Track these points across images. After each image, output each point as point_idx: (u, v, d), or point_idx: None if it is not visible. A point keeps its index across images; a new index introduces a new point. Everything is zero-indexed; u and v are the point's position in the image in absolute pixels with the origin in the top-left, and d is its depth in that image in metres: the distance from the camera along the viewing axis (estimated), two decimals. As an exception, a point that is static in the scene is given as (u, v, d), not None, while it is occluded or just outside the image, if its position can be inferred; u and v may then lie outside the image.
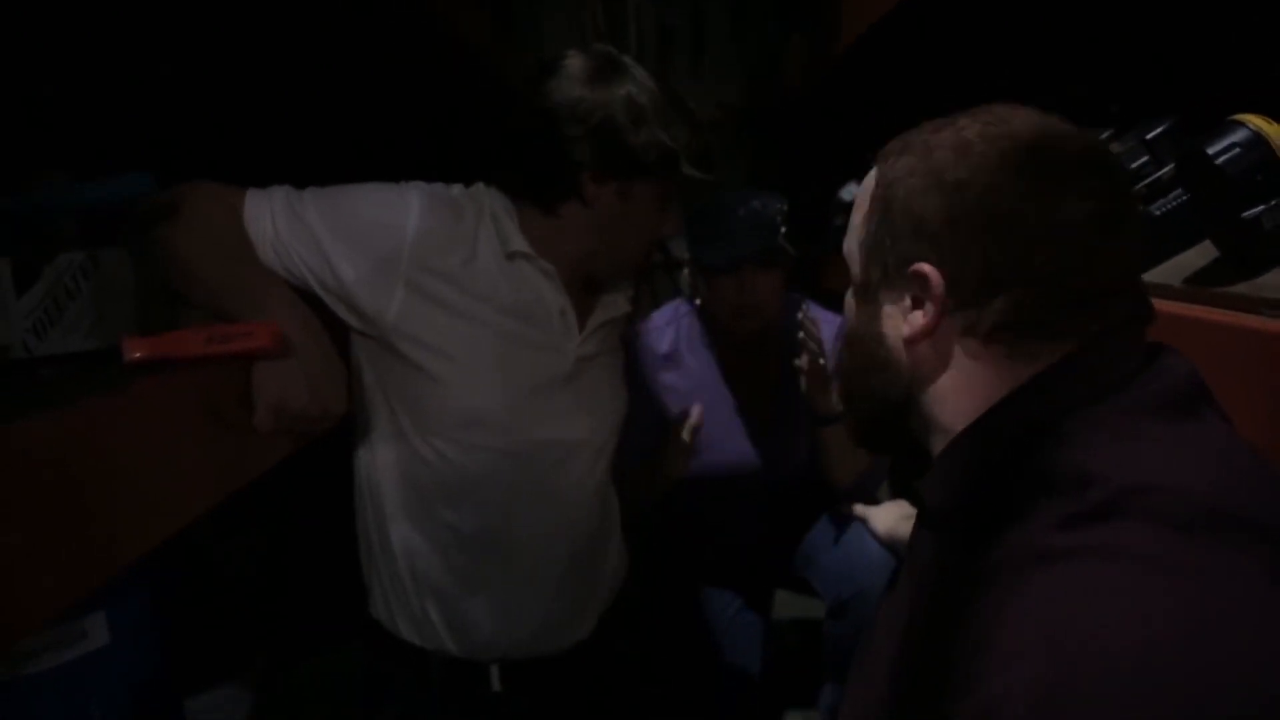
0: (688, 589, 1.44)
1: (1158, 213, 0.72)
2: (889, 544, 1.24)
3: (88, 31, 0.86)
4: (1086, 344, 0.50)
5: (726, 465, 1.42)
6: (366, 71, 1.26)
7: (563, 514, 0.97)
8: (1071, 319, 0.51)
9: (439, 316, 0.88)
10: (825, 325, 1.46)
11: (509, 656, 0.98)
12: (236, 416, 0.72)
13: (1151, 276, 0.71)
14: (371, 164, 0.96)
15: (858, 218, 0.60)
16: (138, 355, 0.63)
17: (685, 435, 1.22)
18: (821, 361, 1.25)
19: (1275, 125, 0.61)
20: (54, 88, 0.86)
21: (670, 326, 1.45)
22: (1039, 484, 0.46)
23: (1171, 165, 0.71)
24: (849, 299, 0.62)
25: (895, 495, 1.32)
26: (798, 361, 1.24)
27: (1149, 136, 0.77)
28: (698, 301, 1.43)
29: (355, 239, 0.84)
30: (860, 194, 0.61)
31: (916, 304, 0.55)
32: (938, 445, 0.56)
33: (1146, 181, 0.75)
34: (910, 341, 0.55)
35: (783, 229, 1.32)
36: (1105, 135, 0.80)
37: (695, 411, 1.23)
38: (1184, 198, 0.70)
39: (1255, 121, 0.61)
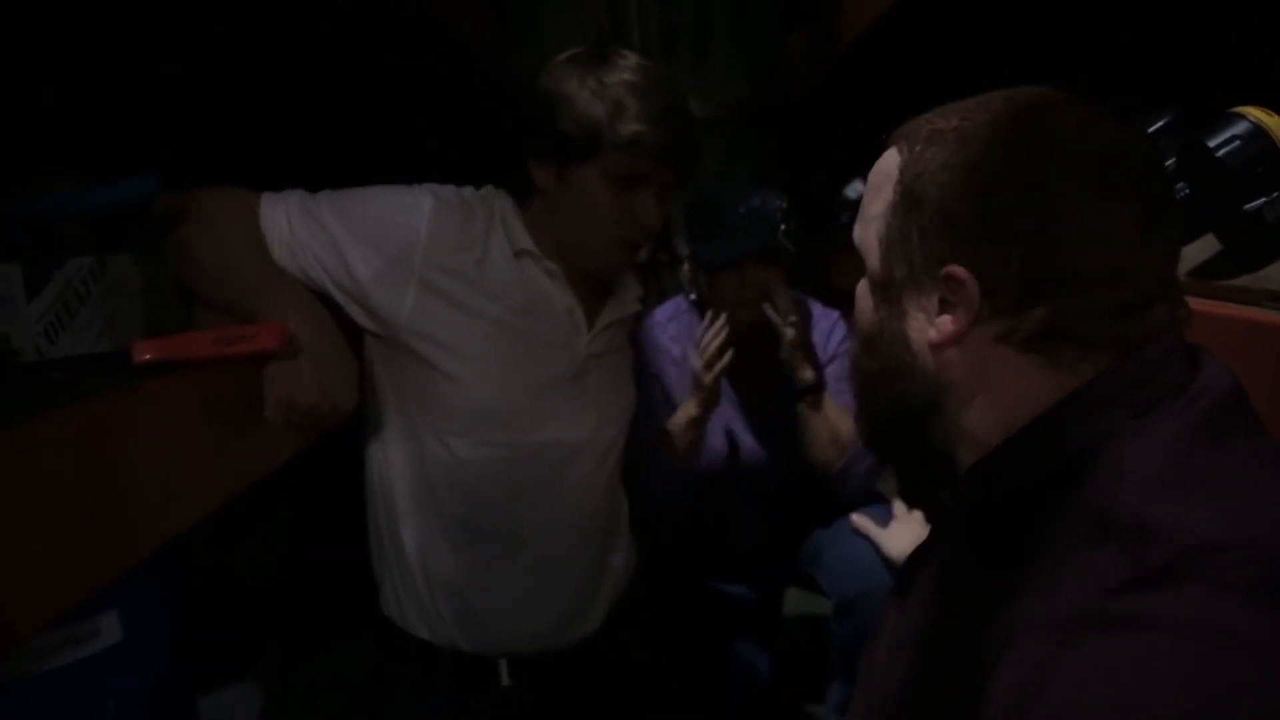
0: (696, 585, 1.44)
1: (1160, 206, 0.72)
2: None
3: (94, 35, 0.86)
4: (1129, 352, 0.47)
5: (731, 461, 1.43)
6: (368, 73, 1.27)
7: (570, 511, 0.98)
8: (1114, 326, 0.48)
9: (451, 315, 0.89)
10: (821, 319, 1.47)
11: (518, 651, 0.99)
12: (246, 415, 0.73)
13: (1154, 270, 0.71)
14: (374, 165, 0.97)
15: (876, 207, 0.55)
16: (147, 357, 0.64)
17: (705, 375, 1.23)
18: (791, 332, 1.28)
19: (1276, 117, 0.61)
20: (60, 92, 0.87)
21: (671, 322, 1.46)
22: (1091, 524, 0.42)
23: (1173, 159, 0.71)
24: (863, 292, 0.58)
25: (902, 494, 1.30)
26: (786, 330, 1.27)
27: (1151, 129, 0.77)
28: (696, 298, 1.43)
29: (370, 239, 0.85)
30: (876, 179, 0.56)
31: (945, 307, 0.51)
32: (966, 456, 0.53)
33: (1148, 175, 0.76)
34: (937, 347, 0.51)
35: (783, 226, 1.32)
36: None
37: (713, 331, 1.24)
38: (1186, 191, 0.70)
39: (1256, 114, 0.61)
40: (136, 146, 0.88)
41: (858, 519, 1.29)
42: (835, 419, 1.33)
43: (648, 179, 0.89)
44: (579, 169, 0.89)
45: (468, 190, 0.95)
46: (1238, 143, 0.61)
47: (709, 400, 1.26)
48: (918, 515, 1.27)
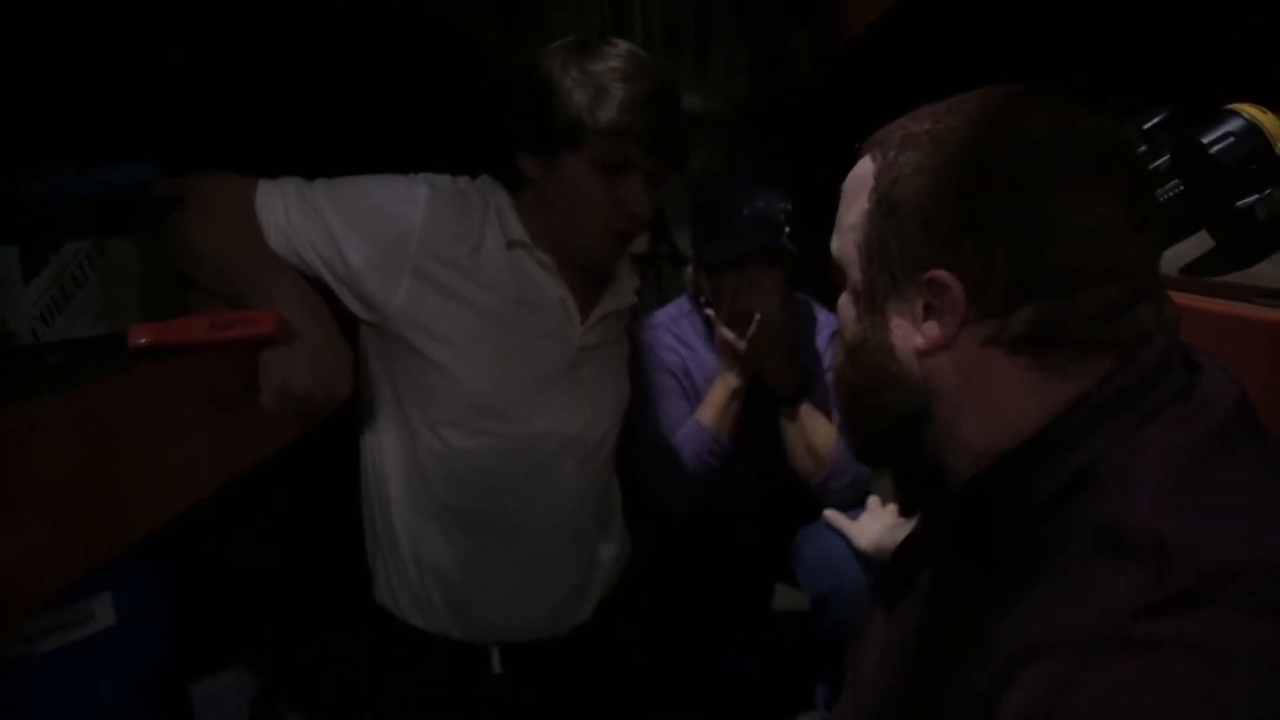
0: (689, 579, 1.45)
1: (1155, 203, 0.72)
2: (876, 560, 1.22)
3: (94, 21, 0.87)
4: (1125, 358, 0.47)
5: (731, 462, 1.43)
6: (369, 64, 1.27)
7: (562, 502, 0.98)
8: (1102, 327, 0.47)
9: (445, 305, 0.89)
10: (825, 326, 1.46)
11: (510, 639, 0.99)
12: (241, 400, 0.74)
13: (1147, 267, 0.71)
14: (374, 156, 0.97)
15: (852, 216, 0.55)
16: (143, 341, 0.64)
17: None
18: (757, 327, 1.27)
19: (1270, 115, 0.61)
20: (60, 77, 0.87)
21: (674, 323, 1.46)
22: (1104, 541, 0.41)
23: (1167, 155, 0.71)
24: (845, 304, 0.57)
25: (901, 502, 1.30)
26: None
27: (1146, 126, 0.78)
28: (702, 299, 1.43)
29: (365, 227, 0.86)
30: (851, 188, 0.56)
31: (930, 313, 0.50)
32: (961, 465, 0.52)
33: (1144, 172, 0.76)
34: (924, 353, 0.51)
35: (788, 228, 1.32)
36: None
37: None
38: (1180, 188, 0.70)
39: (1250, 111, 0.61)
40: (135, 131, 0.88)
41: (830, 514, 1.30)
42: (811, 431, 1.34)
43: (635, 166, 0.89)
44: (565, 158, 0.88)
45: (463, 180, 0.95)
46: (1231, 140, 0.61)
47: (747, 363, 1.29)
48: (891, 508, 1.27)
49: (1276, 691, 0.35)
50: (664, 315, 1.48)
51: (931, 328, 0.50)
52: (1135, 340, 0.47)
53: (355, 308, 0.89)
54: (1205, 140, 0.62)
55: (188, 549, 1.17)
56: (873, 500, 1.31)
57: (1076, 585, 0.41)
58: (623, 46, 0.90)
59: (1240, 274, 0.60)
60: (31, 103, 0.85)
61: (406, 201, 0.88)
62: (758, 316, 1.27)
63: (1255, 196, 0.60)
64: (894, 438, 0.56)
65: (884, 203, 0.52)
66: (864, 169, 0.55)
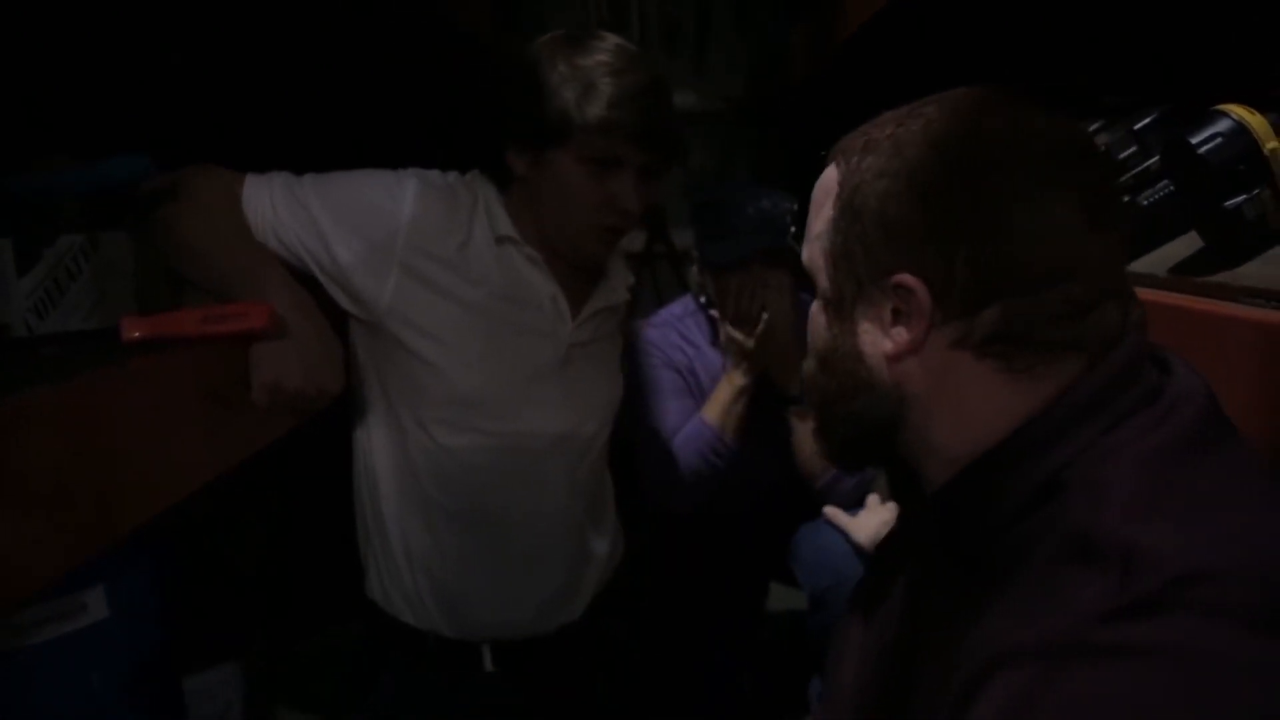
0: (685, 578, 1.45)
1: (1145, 203, 0.72)
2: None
3: (91, 14, 0.87)
4: (1094, 361, 0.47)
5: (734, 461, 1.43)
6: (366, 61, 1.27)
7: (552, 500, 0.98)
8: (1068, 328, 0.47)
9: (433, 301, 0.89)
10: None
11: (501, 637, 0.99)
12: (234, 394, 0.74)
13: (1137, 266, 0.72)
14: (370, 153, 0.97)
15: (819, 224, 0.55)
16: (136, 335, 0.64)
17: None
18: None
19: (1258, 116, 0.61)
20: (55, 70, 0.87)
21: (680, 322, 1.46)
22: (1072, 548, 0.41)
23: (1156, 156, 0.72)
24: (815, 312, 0.58)
25: (894, 496, 1.31)
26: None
27: (1137, 127, 0.78)
28: (704, 300, 1.43)
29: (352, 222, 0.86)
30: (818, 196, 0.56)
31: (898, 317, 0.50)
32: (934, 469, 0.52)
33: (1134, 172, 0.76)
34: (894, 359, 0.51)
35: (793, 228, 1.32)
36: (1096, 126, 0.81)
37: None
38: (1170, 188, 0.70)
39: (1238, 111, 0.61)
40: (130, 125, 0.88)
41: (830, 510, 1.30)
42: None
43: (624, 161, 0.88)
44: (553, 153, 0.88)
45: (453, 175, 0.95)
46: (1220, 140, 0.61)
47: (755, 362, 1.29)
48: (890, 505, 1.28)
49: (1240, 695, 0.35)
50: (669, 313, 1.48)
51: (900, 333, 0.50)
52: (1102, 341, 0.47)
53: (345, 303, 0.89)
54: (1194, 140, 0.62)
55: (181, 544, 1.17)
56: (872, 498, 1.31)
57: (1046, 593, 0.41)
58: (611, 40, 0.90)
59: (1228, 274, 0.61)
60: (26, 96, 0.85)
61: (394, 197, 0.88)
62: (766, 315, 1.27)
63: (1243, 197, 0.60)
64: (866, 443, 0.56)
65: (848, 209, 0.52)
66: (829, 177, 0.55)
